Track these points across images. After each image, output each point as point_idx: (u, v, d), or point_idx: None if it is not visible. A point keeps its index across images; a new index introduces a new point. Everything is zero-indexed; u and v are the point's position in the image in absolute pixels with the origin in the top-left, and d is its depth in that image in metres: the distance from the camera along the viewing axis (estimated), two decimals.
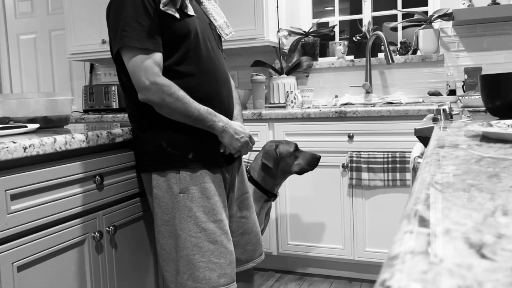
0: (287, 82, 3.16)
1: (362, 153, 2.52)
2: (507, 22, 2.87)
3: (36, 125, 1.54)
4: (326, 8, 3.94)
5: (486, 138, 0.96)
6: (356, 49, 3.27)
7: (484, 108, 1.64)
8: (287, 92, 3.02)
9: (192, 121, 1.50)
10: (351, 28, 4.16)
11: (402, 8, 3.26)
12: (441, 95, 2.87)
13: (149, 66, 1.45)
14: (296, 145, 2.18)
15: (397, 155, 2.45)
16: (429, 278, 0.30)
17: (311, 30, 3.30)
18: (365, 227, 2.57)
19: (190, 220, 1.50)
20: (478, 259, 0.32)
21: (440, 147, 0.87)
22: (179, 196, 1.51)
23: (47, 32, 4.18)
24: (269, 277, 2.80)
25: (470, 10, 2.75)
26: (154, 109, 1.50)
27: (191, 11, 1.56)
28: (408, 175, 2.42)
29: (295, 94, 2.96)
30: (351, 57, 3.30)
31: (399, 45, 3.17)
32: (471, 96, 2.05)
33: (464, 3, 2.85)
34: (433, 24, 3.00)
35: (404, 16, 3.28)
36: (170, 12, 1.48)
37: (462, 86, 2.88)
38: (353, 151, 2.54)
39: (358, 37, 3.26)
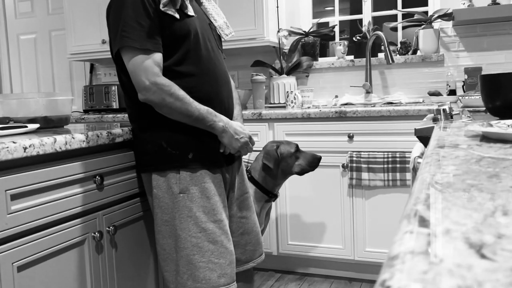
0: (287, 82, 3.16)
1: (362, 153, 2.52)
2: (507, 22, 2.87)
3: (36, 125, 1.54)
4: (326, 8, 3.94)
5: (486, 138, 0.96)
6: (356, 49, 3.27)
7: (484, 108, 1.64)
8: (287, 92, 3.02)
9: (193, 121, 1.50)
10: (351, 28, 4.16)
11: (402, 8, 3.26)
12: (441, 95, 2.87)
13: (149, 66, 1.45)
14: (297, 146, 2.18)
15: (397, 155, 2.45)
16: (429, 278, 0.30)
17: (311, 30, 3.30)
18: (365, 227, 2.57)
19: (190, 220, 1.50)
20: (478, 259, 0.32)
21: (440, 147, 0.87)
22: (179, 196, 1.51)
23: (47, 32, 4.18)
24: (269, 277, 2.80)
25: (470, 10, 2.75)
26: (154, 109, 1.50)
27: (191, 12, 1.56)
28: (408, 175, 2.42)
29: (295, 94, 2.96)
30: (351, 57, 3.30)
31: (399, 45, 3.17)
32: (471, 96, 2.05)
33: (464, 3, 2.85)
34: (433, 24, 3.00)
35: (404, 16, 3.28)
36: (170, 12, 1.48)
37: (462, 86, 2.88)
38: (353, 151, 2.54)
39: (358, 37, 3.26)
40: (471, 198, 0.49)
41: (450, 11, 2.85)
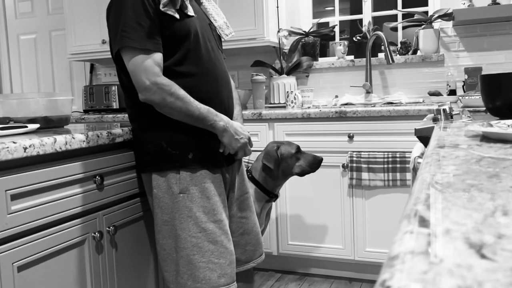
0: (287, 82, 3.16)
1: (362, 153, 2.52)
2: (507, 22, 2.87)
3: (36, 125, 1.54)
4: (326, 8, 3.94)
5: (486, 138, 0.96)
6: (356, 49, 3.27)
7: (484, 108, 1.64)
8: (287, 92, 3.01)
9: (193, 121, 1.50)
10: (351, 28, 4.16)
11: (402, 8, 3.26)
12: (441, 95, 2.87)
13: (149, 66, 1.45)
14: (298, 147, 2.18)
15: (397, 155, 2.45)
16: (429, 278, 0.30)
17: (311, 30, 3.30)
18: (365, 227, 2.57)
19: (190, 220, 1.50)
20: (478, 259, 0.32)
21: (440, 147, 0.87)
22: (179, 196, 1.51)
23: (47, 32, 4.18)
24: (269, 277, 2.80)
25: (470, 10, 2.75)
26: (154, 109, 1.50)
27: (191, 12, 1.56)
28: (408, 175, 2.42)
29: (295, 94, 2.96)
30: (351, 57, 3.30)
31: (399, 45, 3.17)
32: (471, 96, 2.05)
33: (464, 3, 2.85)
34: (433, 24, 3.00)
35: (404, 16, 3.28)
36: (170, 12, 1.48)
37: (462, 86, 2.88)
38: (353, 151, 2.54)
39: (358, 37, 3.26)
40: (471, 198, 0.49)
41: (450, 11, 2.85)
